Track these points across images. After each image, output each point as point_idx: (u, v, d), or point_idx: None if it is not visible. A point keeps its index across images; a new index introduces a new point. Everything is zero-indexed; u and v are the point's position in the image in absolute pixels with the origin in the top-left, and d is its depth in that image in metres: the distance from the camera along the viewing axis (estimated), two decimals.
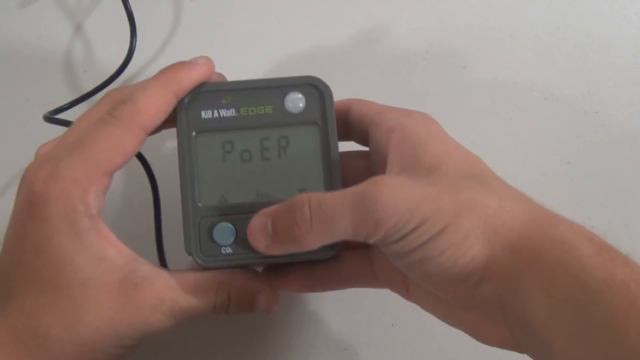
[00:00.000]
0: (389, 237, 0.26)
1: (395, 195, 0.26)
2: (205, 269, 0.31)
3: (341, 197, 0.27)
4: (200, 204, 0.31)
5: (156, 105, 0.30)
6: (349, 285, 0.34)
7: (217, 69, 0.34)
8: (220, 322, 0.40)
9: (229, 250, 0.31)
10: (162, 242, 0.38)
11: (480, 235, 0.26)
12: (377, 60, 0.46)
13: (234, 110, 0.31)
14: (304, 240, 0.27)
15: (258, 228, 0.29)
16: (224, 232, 0.31)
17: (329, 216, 0.27)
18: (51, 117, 0.38)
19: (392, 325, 0.40)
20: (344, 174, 0.32)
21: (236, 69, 0.43)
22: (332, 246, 0.30)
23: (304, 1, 0.47)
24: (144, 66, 0.45)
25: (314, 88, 0.32)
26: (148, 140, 0.31)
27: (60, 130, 0.37)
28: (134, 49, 0.43)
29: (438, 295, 0.29)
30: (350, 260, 0.33)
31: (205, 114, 0.31)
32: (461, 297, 0.28)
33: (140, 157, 0.36)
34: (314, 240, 0.28)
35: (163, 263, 0.37)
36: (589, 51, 0.46)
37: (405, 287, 0.32)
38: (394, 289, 0.33)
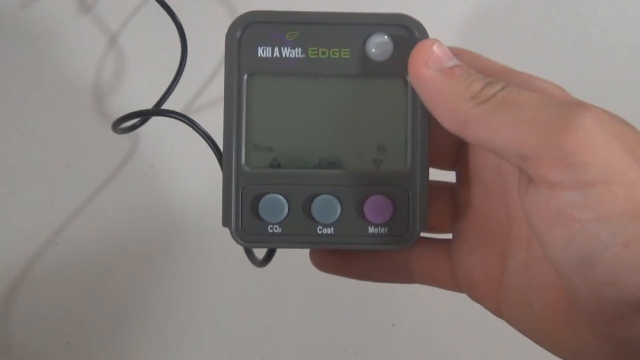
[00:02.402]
0: (565, 172, 0.20)
1: (601, 134, 0.20)
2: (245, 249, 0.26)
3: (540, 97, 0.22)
4: (246, 169, 0.24)
5: None
6: (413, 280, 0.27)
7: None
8: (221, 322, 0.40)
9: (277, 229, 0.24)
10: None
11: None
12: None
13: (300, 50, 0.25)
14: (470, 112, 0.21)
15: (439, 51, 0.22)
16: (274, 206, 0.24)
17: (517, 102, 0.21)
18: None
19: (392, 325, 0.40)
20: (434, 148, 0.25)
21: None
22: (412, 235, 0.25)
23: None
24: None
25: (406, 30, 0.25)
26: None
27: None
28: (186, 60, 0.42)
29: (560, 310, 0.22)
30: (424, 250, 0.27)
31: (263, 52, 0.25)
32: (610, 316, 0.20)
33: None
34: (478, 121, 0.21)
35: None
36: (589, 51, 0.46)
37: (495, 294, 0.24)
38: (477, 295, 0.25)
